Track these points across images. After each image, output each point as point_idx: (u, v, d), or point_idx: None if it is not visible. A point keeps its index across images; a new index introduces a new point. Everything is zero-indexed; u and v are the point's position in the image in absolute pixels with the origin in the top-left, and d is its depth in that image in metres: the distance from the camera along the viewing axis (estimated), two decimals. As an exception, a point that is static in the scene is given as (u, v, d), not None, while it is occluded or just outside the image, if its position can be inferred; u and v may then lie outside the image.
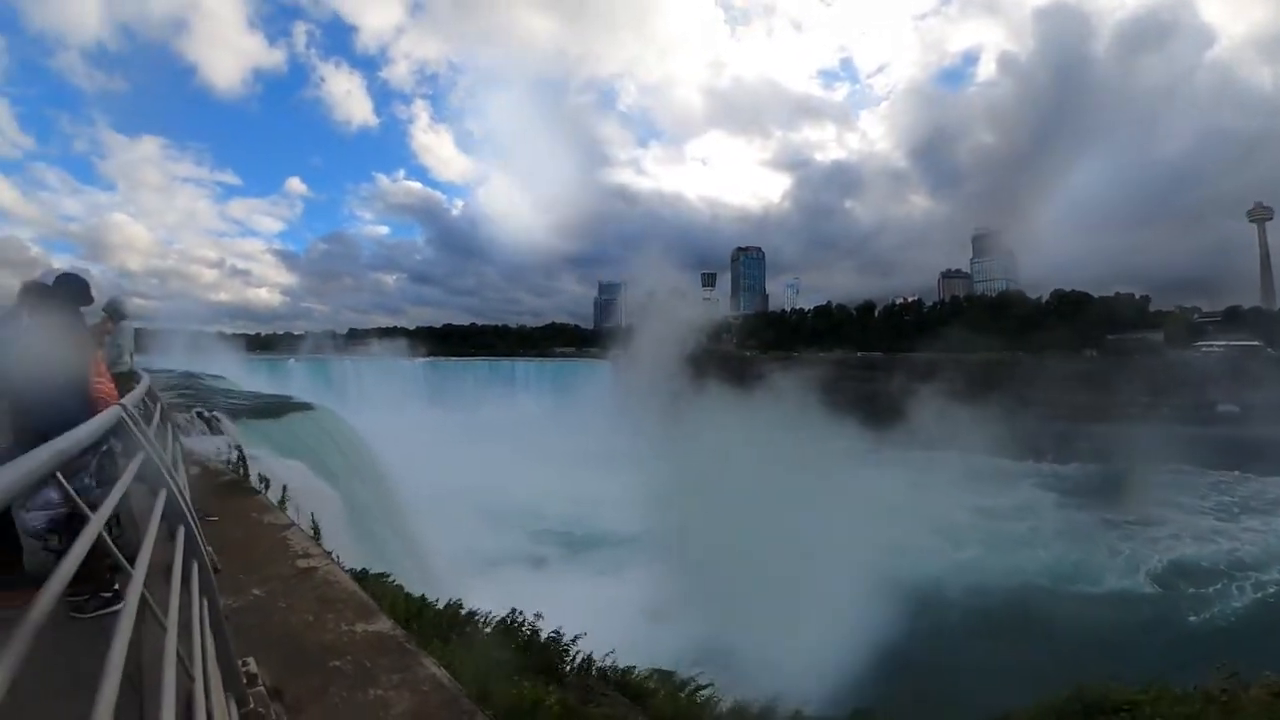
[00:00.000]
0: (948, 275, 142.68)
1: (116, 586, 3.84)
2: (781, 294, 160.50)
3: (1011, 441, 55.46)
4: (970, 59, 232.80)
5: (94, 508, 1.93)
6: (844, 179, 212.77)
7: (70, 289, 4.48)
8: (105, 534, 1.55)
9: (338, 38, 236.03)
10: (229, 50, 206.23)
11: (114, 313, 7.86)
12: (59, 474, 1.59)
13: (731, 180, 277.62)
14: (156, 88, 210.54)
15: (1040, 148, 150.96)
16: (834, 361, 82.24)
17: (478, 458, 44.86)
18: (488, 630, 7.03)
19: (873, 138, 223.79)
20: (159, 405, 6.82)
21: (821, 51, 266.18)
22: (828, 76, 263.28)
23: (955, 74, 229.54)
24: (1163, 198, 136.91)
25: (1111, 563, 30.75)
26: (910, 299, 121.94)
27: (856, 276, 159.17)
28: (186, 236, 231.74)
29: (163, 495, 2.27)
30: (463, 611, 7.11)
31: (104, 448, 3.70)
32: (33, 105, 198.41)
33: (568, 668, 7.09)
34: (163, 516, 2.23)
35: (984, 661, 20.38)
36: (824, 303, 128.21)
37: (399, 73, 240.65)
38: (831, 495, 40.34)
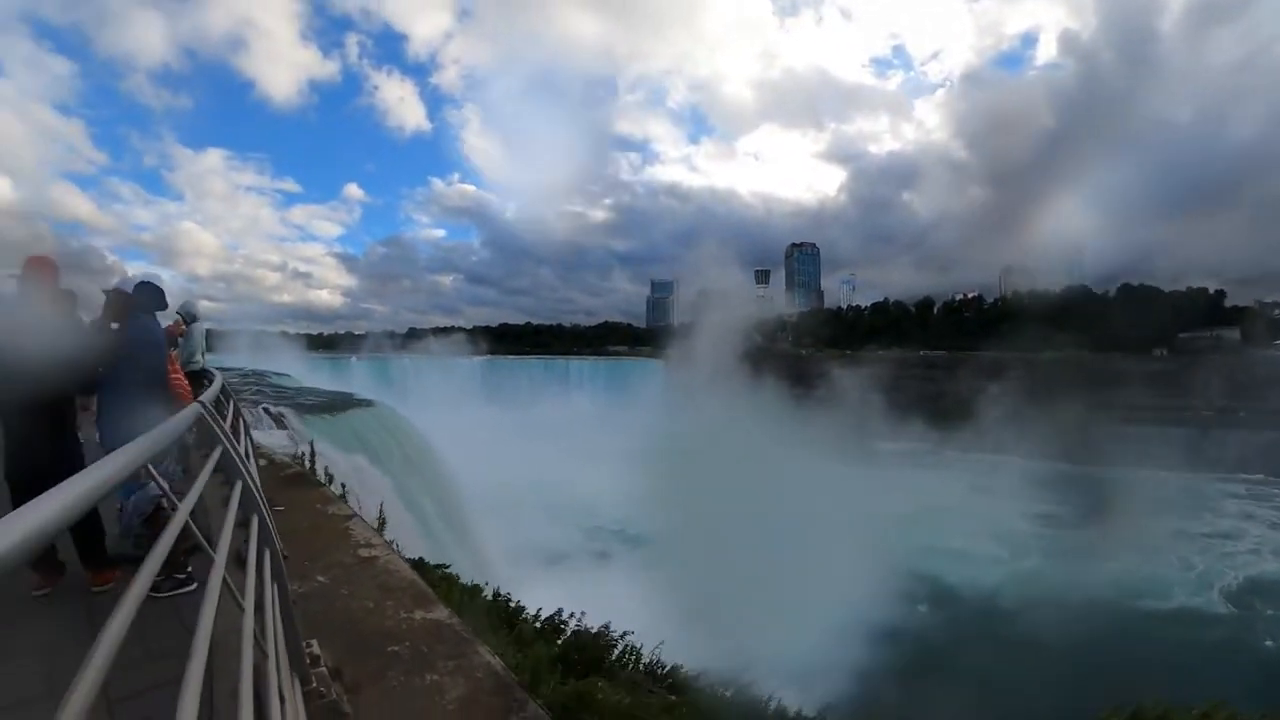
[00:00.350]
0: (1009, 270, 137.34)
1: (190, 569, 4.14)
2: (837, 290, 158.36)
3: (1076, 445, 53.11)
4: (1029, 41, 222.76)
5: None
6: (900, 171, 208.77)
7: (148, 295, 4.82)
8: (191, 521, 1.71)
9: (389, 46, 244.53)
10: (285, 64, 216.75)
11: (186, 315, 8.52)
12: (150, 466, 1.75)
13: (785, 175, 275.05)
14: (218, 103, 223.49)
15: (1105, 132, 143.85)
16: (892, 360, 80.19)
17: (533, 455, 45.44)
18: (537, 623, 7.18)
19: (929, 127, 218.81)
20: (232, 402, 7.21)
21: (872, 39, 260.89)
22: (880, 65, 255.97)
23: (1013, 58, 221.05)
24: (1239, 183, 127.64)
25: (1182, 578, 29.24)
26: (970, 295, 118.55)
27: (914, 272, 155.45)
28: (250, 242, 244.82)
29: (238, 486, 2.45)
30: (513, 603, 7.29)
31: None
32: (105, 125, 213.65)
33: (614, 662, 7.18)
34: (238, 505, 2.40)
35: (1039, 676, 19.69)
36: (881, 299, 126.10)
37: (449, 78, 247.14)
38: (887, 498, 39.62)
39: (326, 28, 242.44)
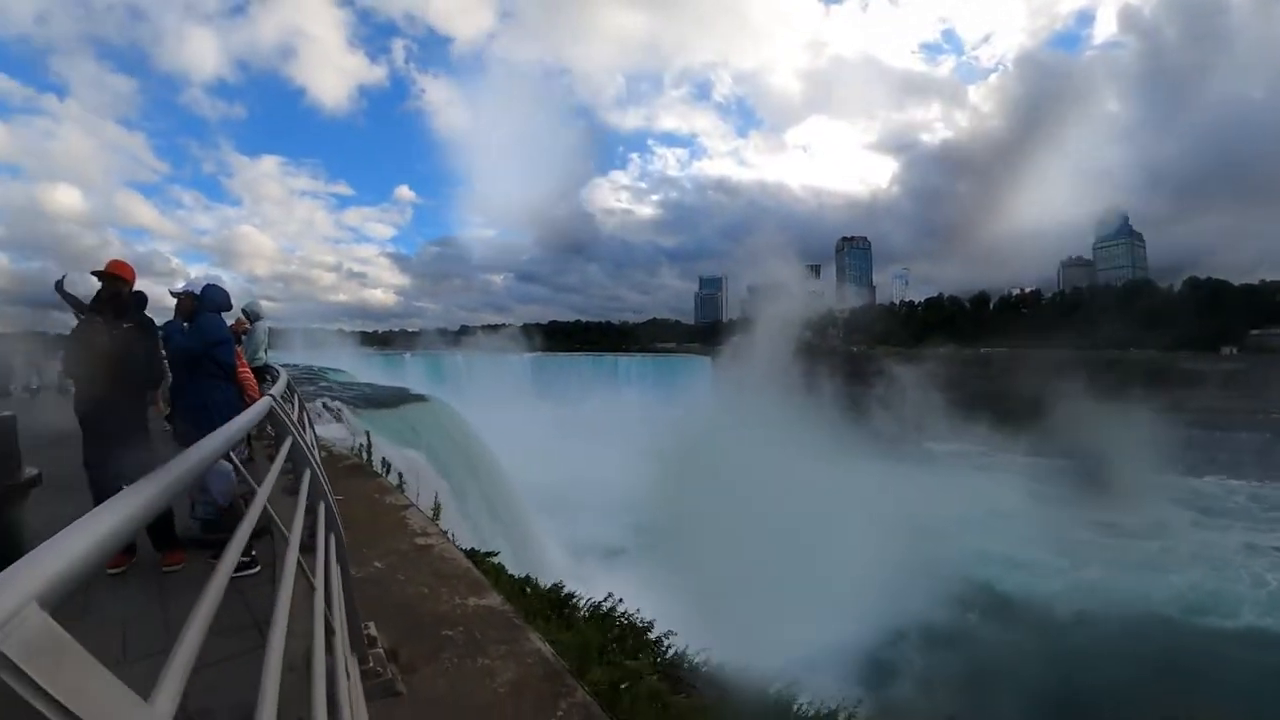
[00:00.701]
0: (1068, 264, 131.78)
1: (254, 552, 4.46)
2: (890, 285, 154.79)
3: (1139, 449, 50.43)
4: (1085, 19, 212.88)
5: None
6: (953, 161, 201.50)
7: (214, 297, 5.18)
8: (269, 506, 1.86)
9: (434, 50, 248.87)
10: (333, 70, 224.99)
11: (251, 314, 9.12)
12: (232, 453, 1.90)
13: (835, 167, 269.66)
14: (271, 111, 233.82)
15: (1170, 113, 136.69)
16: (946, 357, 78.02)
17: (583, 451, 45.67)
18: (584, 615, 7.32)
19: (982, 114, 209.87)
20: (296, 396, 7.55)
21: (921, 24, 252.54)
22: (930, 51, 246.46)
23: (1070, 38, 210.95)
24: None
25: (1254, 595, 27.43)
26: (1027, 290, 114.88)
27: (969, 266, 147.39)
28: (306, 244, 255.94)
29: (307, 475, 2.61)
30: (562, 593, 7.44)
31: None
32: (165, 136, 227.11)
33: (659, 657, 7.27)
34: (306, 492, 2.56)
35: (1093, 690, 19.03)
36: (935, 294, 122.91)
37: (495, 79, 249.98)
38: (941, 501, 38.72)
39: (373, 34, 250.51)
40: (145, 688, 0.78)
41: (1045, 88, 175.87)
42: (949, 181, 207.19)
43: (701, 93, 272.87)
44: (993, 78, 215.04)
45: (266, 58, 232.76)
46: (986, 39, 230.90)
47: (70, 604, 0.68)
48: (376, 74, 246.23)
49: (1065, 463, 50.18)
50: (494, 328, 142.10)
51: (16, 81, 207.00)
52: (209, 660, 2.98)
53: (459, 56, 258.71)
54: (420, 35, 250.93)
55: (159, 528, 4.62)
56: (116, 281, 4.84)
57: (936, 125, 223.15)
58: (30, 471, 2.93)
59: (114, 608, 3.88)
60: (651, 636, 7.51)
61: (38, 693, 0.56)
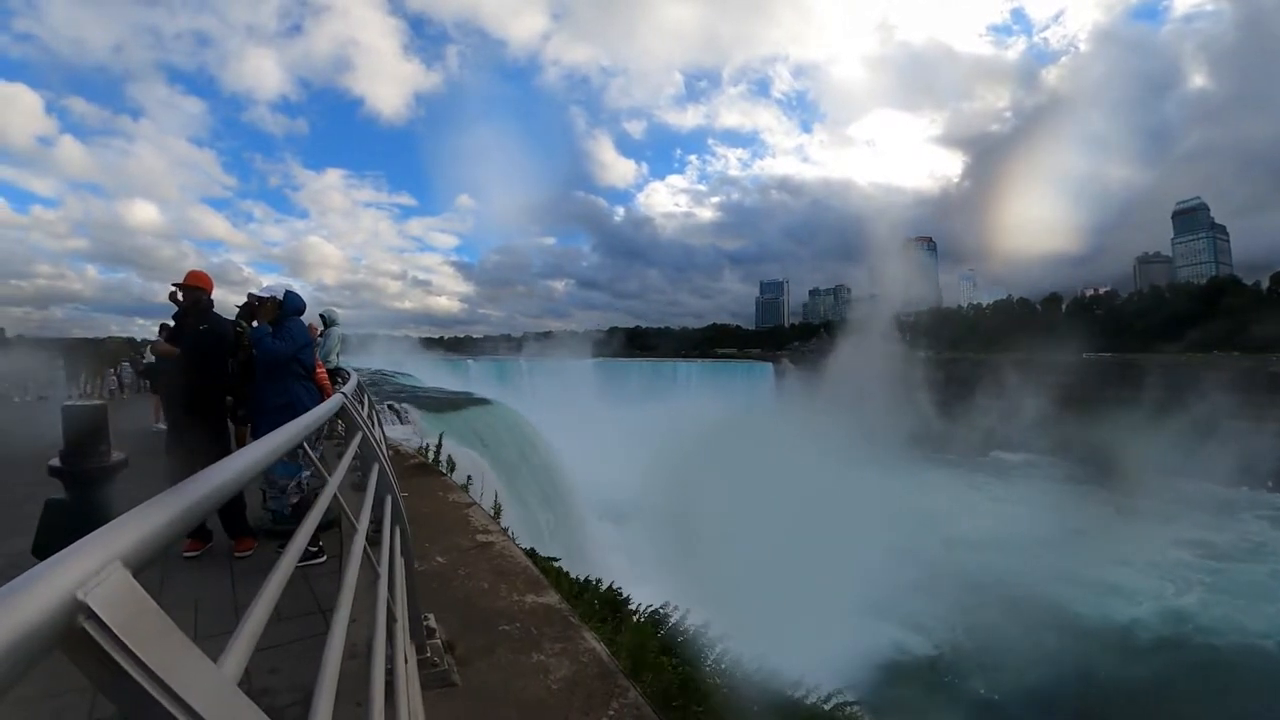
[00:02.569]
0: (1145, 260, 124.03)
1: (321, 543, 4.68)
2: (956, 286, 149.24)
3: (1230, 462, 46.92)
4: None
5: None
6: (1022, 152, 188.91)
7: (294, 303, 5.48)
8: (339, 496, 1.94)
9: (488, 53, 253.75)
10: (390, 79, 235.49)
11: (328, 319, 9.68)
12: (306, 444, 1.99)
13: (901, 162, 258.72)
14: (332, 124, 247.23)
15: (1259, 89, 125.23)
16: (1017, 362, 74.27)
17: (640, 457, 45.46)
18: (640, 619, 7.31)
19: (1054, 99, 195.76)
20: (365, 396, 7.84)
21: (987, 6, 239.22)
22: (998, 33, 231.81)
23: (1147, 10, 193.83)
24: None
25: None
26: (1102, 290, 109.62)
27: (1039, 265, 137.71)
28: (372, 253, 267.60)
29: (375, 469, 2.71)
30: (619, 596, 7.46)
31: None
32: (234, 154, 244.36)
33: (714, 664, 7.21)
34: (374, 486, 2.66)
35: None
36: (1004, 295, 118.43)
37: (550, 80, 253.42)
38: (1016, 515, 37.10)
39: (427, 42, 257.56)
40: (213, 658, 0.83)
41: (1120, 67, 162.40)
42: (1017, 174, 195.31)
43: (761, 88, 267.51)
44: (1064, 59, 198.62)
45: (324, 72, 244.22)
46: (1057, 17, 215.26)
47: (148, 583, 0.73)
48: (433, 80, 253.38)
49: (1146, 475, 47.09)
50: (555, 334, 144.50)
51: (95, 106, 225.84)
52: (274, 643, 3.14)
53: (513, 60, 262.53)
54: (473, 40, 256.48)
55: (232, 516, 4.96)
56: (195, 290, 5.30)
57: (1005, 114, 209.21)
58: (118, 456, 3.17)
59: (187, 589, 4.17)
60: (705, 643, 7.45)
61: (116, 643, 0.60)
